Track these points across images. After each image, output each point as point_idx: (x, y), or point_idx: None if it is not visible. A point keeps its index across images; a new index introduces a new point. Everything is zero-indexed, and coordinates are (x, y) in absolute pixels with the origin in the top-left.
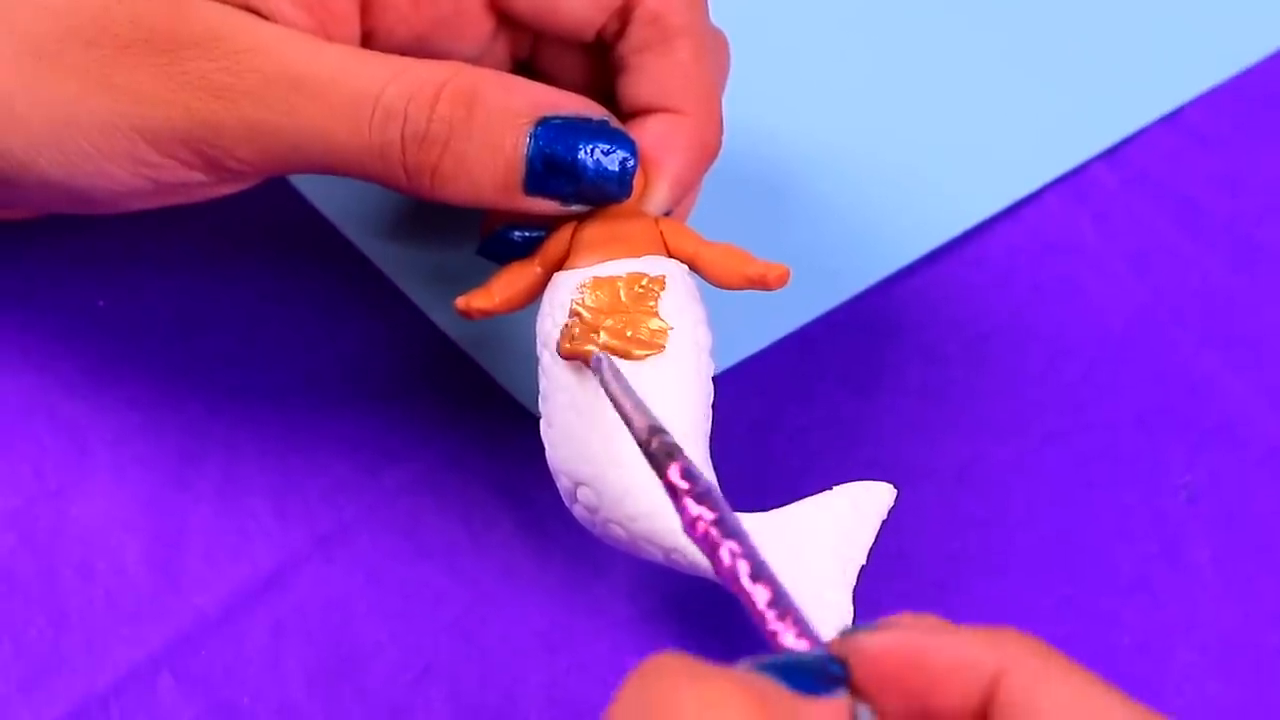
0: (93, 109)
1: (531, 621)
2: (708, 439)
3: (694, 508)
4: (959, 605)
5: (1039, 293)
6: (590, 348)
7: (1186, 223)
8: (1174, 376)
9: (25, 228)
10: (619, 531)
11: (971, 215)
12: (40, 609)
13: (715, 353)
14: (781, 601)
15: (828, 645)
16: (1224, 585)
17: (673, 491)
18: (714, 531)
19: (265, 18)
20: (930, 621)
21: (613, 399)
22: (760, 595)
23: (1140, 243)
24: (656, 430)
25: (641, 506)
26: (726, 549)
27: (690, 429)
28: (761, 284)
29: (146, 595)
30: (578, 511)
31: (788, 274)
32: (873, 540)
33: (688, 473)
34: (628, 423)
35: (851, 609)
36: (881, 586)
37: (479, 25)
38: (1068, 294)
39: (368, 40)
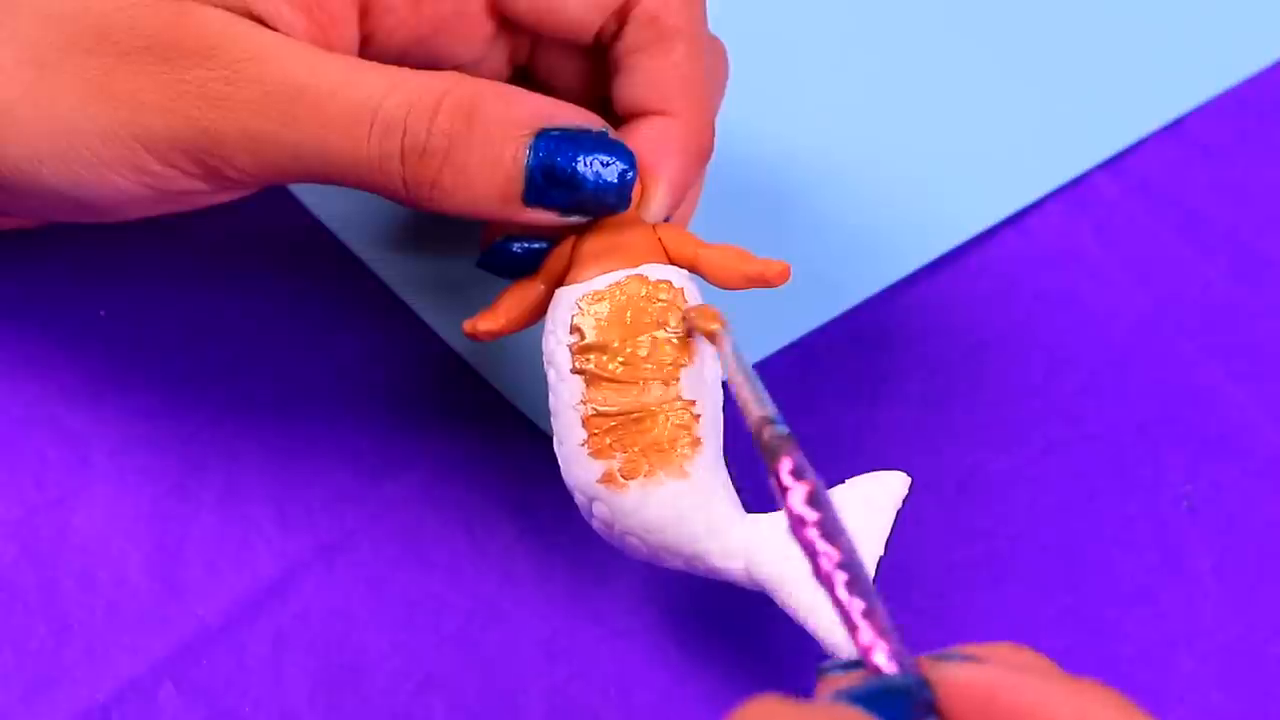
0: (94, 117)
1: (533, 631)
2: (721, 442)
3: (798, 508)
4: (960, 615)
5: (1040, 302)
6: (715, 326)
7: (1188, 232)
8: (1175, 386)
9: (26, 237)
10: (637, 543)
11: (973, 225)
12: (42, 619)
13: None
14: (877, 617)
15: (919, 670)
16: (1225, 595)
17: (780, 486)
18: (816, 533)
19: (265, 24)
20: (1024, 658)
21: (732, 381)
22: (856, 606)
23: (1141, 252)
24: (769, 420)
25: (653, 520)
26: (824, 555)
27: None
28: (762, 281)
29: (148, 605)
30: (595, 525)
31: (788, 270)
32: (889, 530)
33: (799, 470)
34: (743, 407)
35: None
36: (883, 596)
37: (479, 28)
38: (1069, 304)
39: (367, 44)
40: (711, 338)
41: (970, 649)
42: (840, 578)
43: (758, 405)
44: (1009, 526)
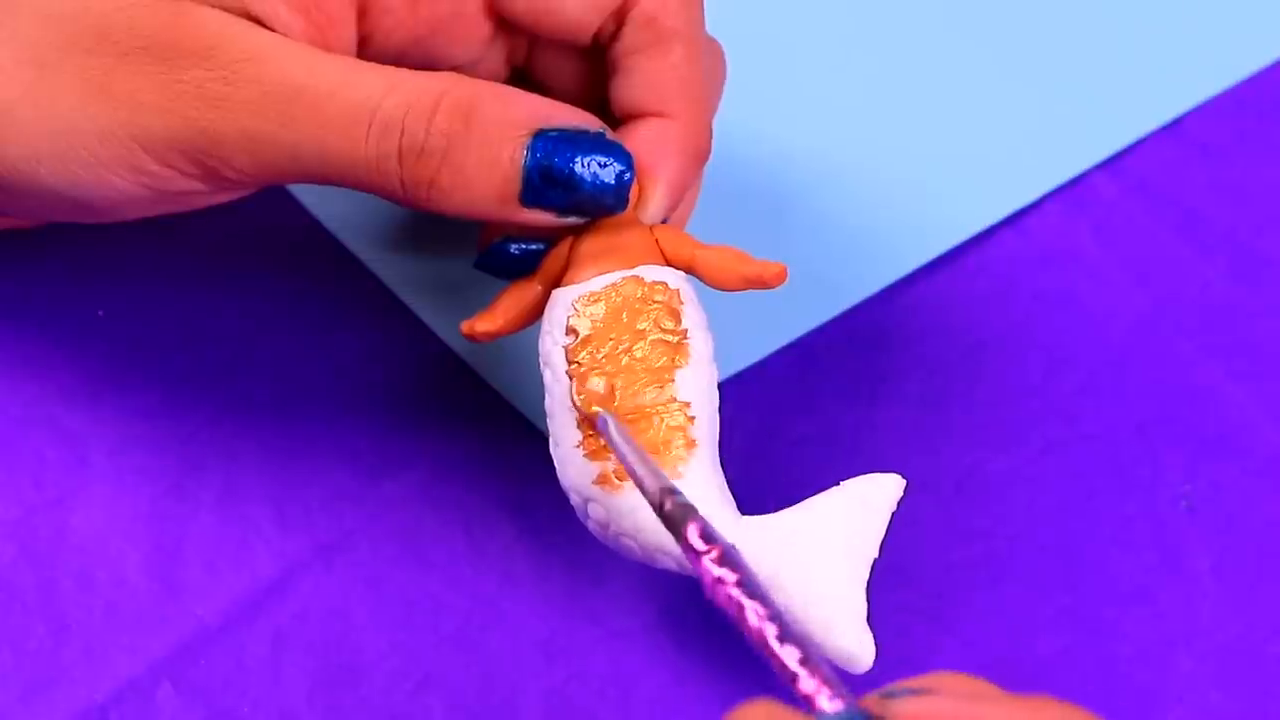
0: (92, 117)
1: (531, 631)
2: (716, 444)
3: (715, 569)
4: (958, 616)
5: (1039, 302)
6: (596, 409)
7: (1186, 232)
8: (1174, 386)
9: (25, 237)
10: (631, 544)
11: (971, 225)
12: (40, 619)
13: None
14: (812, 661)
15: (864, 707)
16: (1224, 595)
17: (692, 553)
18: (737, 593)
19: (263, 24)
20: (972, 687)
21: (623, 460)
22: (790, 655)
23: (1140, 252)
24: (670, 491)
25: (648, 521)
26: (752, 610)
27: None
28: (759, 283)
29: (146, 605)
30: (591, 526)
31: (785, 271)
32: (883, 533)
33: (706, 534)
34: (639, 484)
35: (865, 605)
36: (880, 597)
37: (477, 29)
38: (1067, 304)
39: (364, 44)
40: (592, 422)
41: (916, 681)
42: (770, 630)
43: (654, 479)
44: (1007, 526)
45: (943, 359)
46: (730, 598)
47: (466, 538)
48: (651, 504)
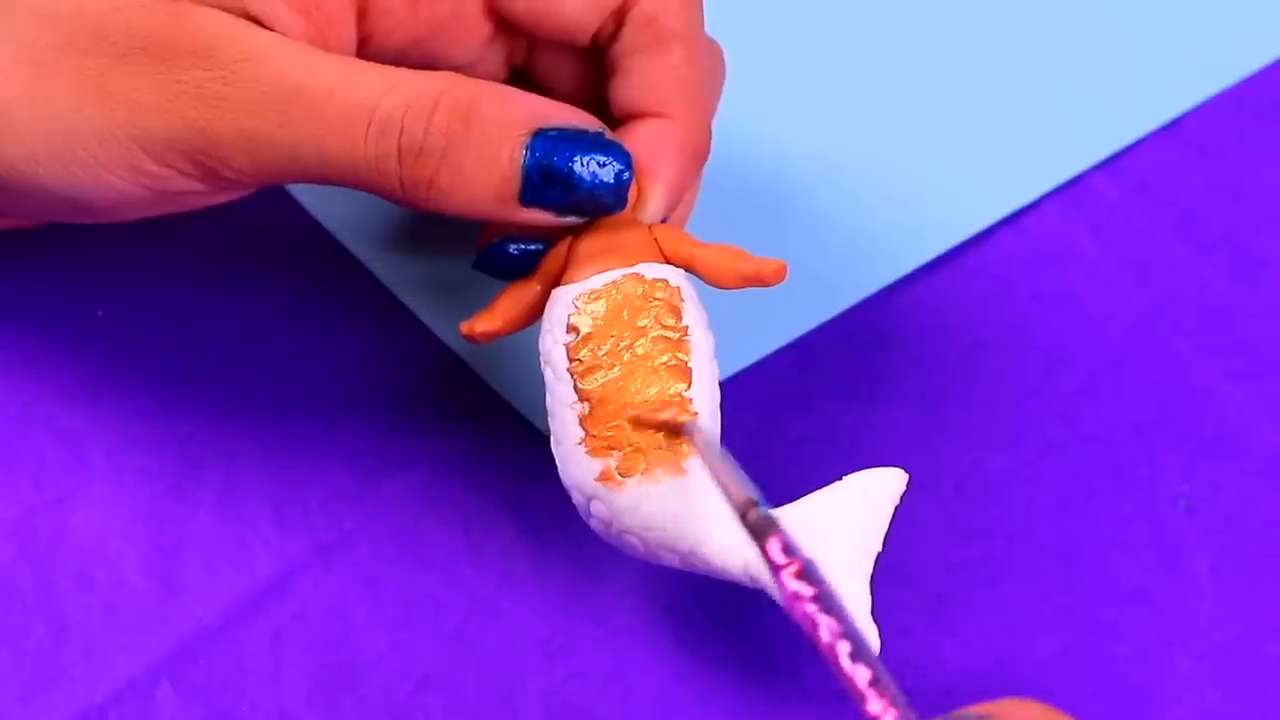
0: (90, 118)
1: (530, 630)
2: (718, 439)
3: (793, 583)
4: (957, 615)
5: (1038, 302)
6: (684, 418)
7: (1185, 232)
8: (1172, 386)
9: (24, 237)
10: (634, 541)
11: (970, 225)
12: (39, 619)
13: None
14: (882, 682)
15: None
16: (1222, 595)
17: (772, 565)
18: (813, 608)
19: (262, 25)
20: (1031, 712)
21: (710, 468)
22: (861, 675)
23: (1139, 252)
24: (754, 503)
25: (651, 518)
26: (825, 626)
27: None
28: (758, 280)
29: (146, 605)
30: (594, 524)
31: (784, 269)
32: (887, 527)
33: (788, 547)
34: (725, 493)
35: (869, 599)
36: (879, 596)
37: (476, 30)
38: (1066, 304)
39: (364, 45)
40: (679, 432)
41: (985, 707)
42: (843, 648)
43: (740, 489)
44: (1006, 526)
45: (942, 359)
46: (806, 613)
47: (466, 538)
48: (736, 512)
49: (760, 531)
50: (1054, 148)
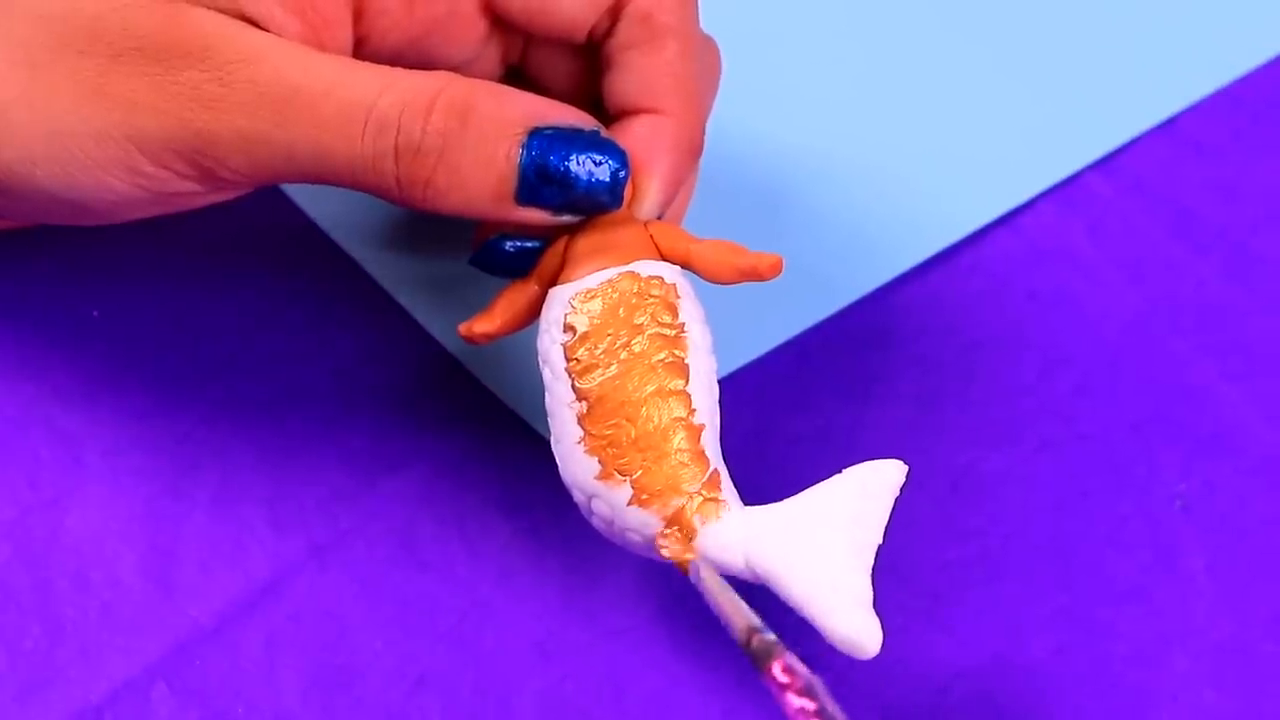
0: (87, 119)
1: (527, 631)
2: (718, 435)
3: (797, 700)
4: (953, 614)
5: (1033, 301)
6: (689, 557)
7: (1181, 231)
8: (1168, 385)
9: (19, 237)
10: (636, 539)
11: (966, 224)
12: (35, 620)
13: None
14: None
15: None
16: (1218, 594)
17: (776, 686)
18: None
19: (258, 25)
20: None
21: (713, 600)
22: None
23: (1135, 251)
24: (756, 630)
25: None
26: None
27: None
28: (754, 275)
29: (141, 606)
30: (595, 522)
31: (780, 263)
32: (886, 519)
33: (789, 668)
34: (727, 623)
35: (870, 590)
36: (877, 594)
37: (472, 28)
38: (1062, 303)
39: (361, 45)
40: (684, 568)
41: None
42: None
43: (741, 618)
44: (1002, 525)
45: (938, 358)
46: None
47: (462, 538)
48: (738, 642)
49: (763, 657)
50: (1050, 146)
